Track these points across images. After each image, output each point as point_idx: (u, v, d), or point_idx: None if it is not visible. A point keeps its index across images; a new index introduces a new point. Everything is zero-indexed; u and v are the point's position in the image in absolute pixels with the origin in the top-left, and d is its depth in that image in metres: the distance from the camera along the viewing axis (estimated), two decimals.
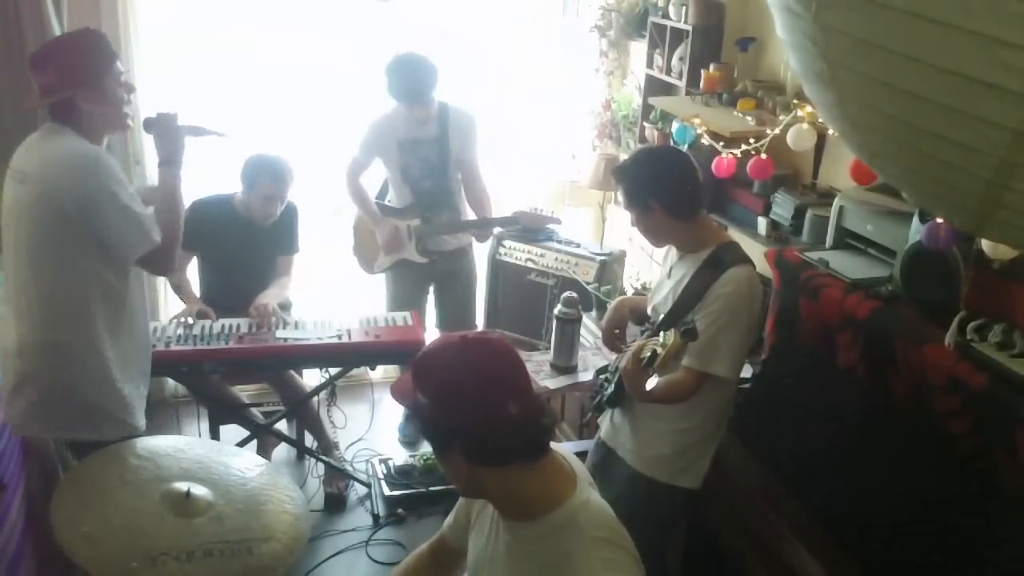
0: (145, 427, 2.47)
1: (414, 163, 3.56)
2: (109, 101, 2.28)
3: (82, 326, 2.29)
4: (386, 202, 3.74)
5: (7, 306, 2.37)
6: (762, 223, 3.14)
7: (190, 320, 3.16)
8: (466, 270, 3.87)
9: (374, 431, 3.95)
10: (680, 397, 2.25)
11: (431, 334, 3.89)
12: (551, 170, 4.48)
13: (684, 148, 3.24)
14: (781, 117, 2.85)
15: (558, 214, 3.89)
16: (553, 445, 1.48)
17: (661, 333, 2.15)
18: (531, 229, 3.95)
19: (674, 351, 2.07)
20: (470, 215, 3.72)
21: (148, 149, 3.84)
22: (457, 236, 3.73)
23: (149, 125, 2.42)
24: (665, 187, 2.26)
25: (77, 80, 2.22)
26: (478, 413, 1.36)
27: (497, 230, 4.02)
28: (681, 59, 3.57)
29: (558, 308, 3.33)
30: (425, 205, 3.62)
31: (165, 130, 2.41)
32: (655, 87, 3.81)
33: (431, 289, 3.87)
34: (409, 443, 3.93)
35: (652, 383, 2.09)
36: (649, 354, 2.11)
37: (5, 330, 2.36)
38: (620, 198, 2.38)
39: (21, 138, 3.48)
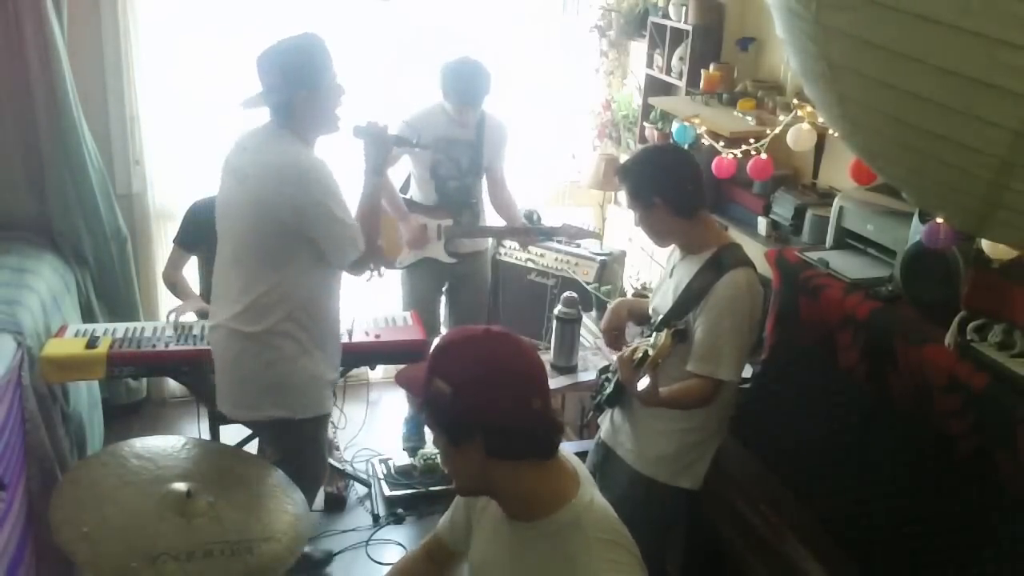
0: (330, 410, 2.67)
1: (445, 162, 3.57)
2: (325, 105, 2.37)
3: (281, 318, 2.43)
4: (408, 197, 3.75)
5: (217, 289, 2.55)
6: (762, 223, 3.14)
7: (192, 317, 3.16)
8: (481, 272, 3.87)
9: (374, 431, 3.95)
10: (694, 404, 2.26)
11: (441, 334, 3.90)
12: (551, 170, 4.48)
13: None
14: (781, 117, 2.85)
15: (594, 228, 3.95)
16: None
17: (654, 334, 2.17)
18: (573, 240, 3.97)
19: (665, 352, 2.08)
20: (491, 220, 3.74)
21: (148, 150, 3.85)
22: (475, 239, 3.75)
23: (358, 132, 2.47)
24: (669, 183, 2.26)
25: (299, 82, 2.31)
26: (505, 406, 1.36)
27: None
28: (681, 59, 3.57)
29: (558, 308, 3.33)
30: (455, 206, 3.63)
31: (375, 139, 2.46)
32: (655, 87, 3.81)
33: (444, 289, 3.88)
34: (413, 449, 3.91)
35: (644, 383, 2.10)
36: (641, 355, 2.12)
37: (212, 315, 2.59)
38: (623, 197, 2.39)
39: (21, 137, 3.52)
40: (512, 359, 1.40)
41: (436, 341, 1.46)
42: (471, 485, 1.49)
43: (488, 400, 1.36)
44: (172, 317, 3.14)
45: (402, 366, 1.51)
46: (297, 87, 2.31)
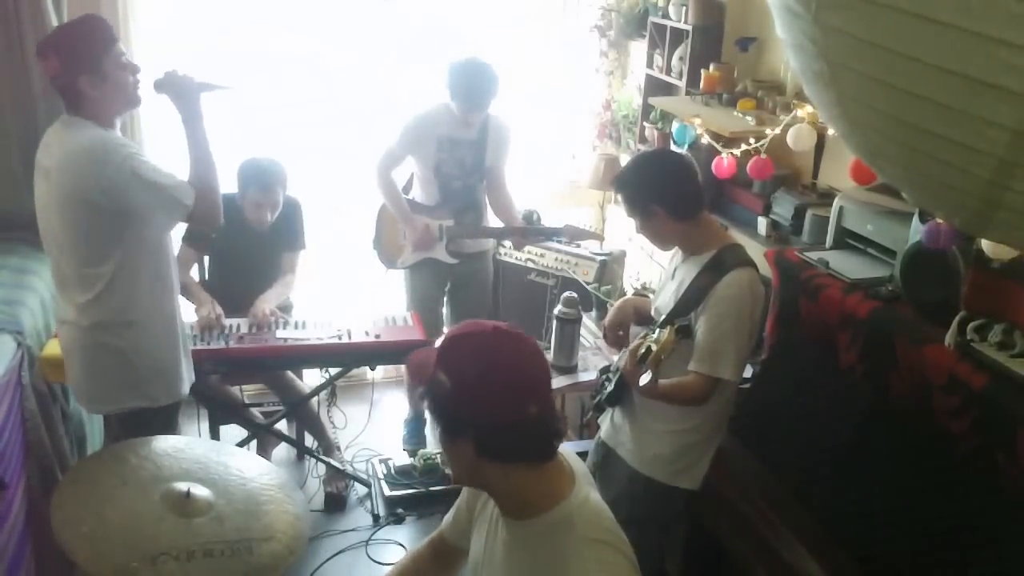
0: (183, 395, 2.61)
1: (449, 161, 3.57)
2: (112, 85, 2.32)
3: (118, 306, 2.40)
4: (410, 197, 3.74)
5: (57, 289, 2.53)
6: (762, 223, 3.14)
7: (224, 322, 3.13)
8: (483, 272, 3.87)
9: (374, 431, 3.94)
10: (691, 401, 2.26)
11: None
12: (551, 170, 4.48)
13: (684, 148, 3.25)
14: (781, 117, 2.85)
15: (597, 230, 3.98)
16: None
17: (656, 330, 2.17)
18: (575, 241, 3.96)
19: (668, 348, 2.09)
20: (492, 220, 3.74)
21: (148, 150, 3.85)
22: (478, 239, 3.75)
23: (160, 87, 2.41)
24: (666, 189, 2.26)
25: (79, 68, 2.27)
26: (500, 409, 1.35)
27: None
28: (681, 59, 3.57)
29: (558, 308, 3.33)
30: (458, 206, 3.63)
31: (178, 88, 2.41)
32: (655, 87, 3.81)
33: (447, 289, 3.88)
34: (413, 452, 3.91)
35: (646, 379, 2.10)
36: (644, 350, 2.13)
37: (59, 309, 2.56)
38: (622, 207, 2.38)
39: (21, 136, 3.52)
40: (513, 361, 1.38)
41: (447, 332, 1.44)
42: (465, 477, 1.49)
43: (482, 400, 1.34)
44: (200, 324, 3.10)
45: (401, 367, 1.49)
46: (77, 73, 2.27)
